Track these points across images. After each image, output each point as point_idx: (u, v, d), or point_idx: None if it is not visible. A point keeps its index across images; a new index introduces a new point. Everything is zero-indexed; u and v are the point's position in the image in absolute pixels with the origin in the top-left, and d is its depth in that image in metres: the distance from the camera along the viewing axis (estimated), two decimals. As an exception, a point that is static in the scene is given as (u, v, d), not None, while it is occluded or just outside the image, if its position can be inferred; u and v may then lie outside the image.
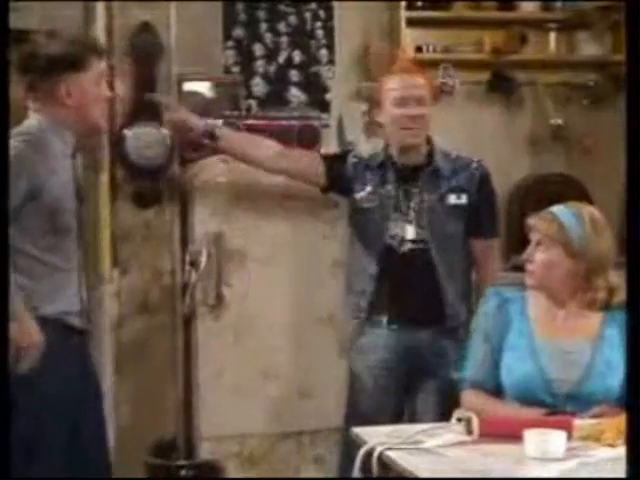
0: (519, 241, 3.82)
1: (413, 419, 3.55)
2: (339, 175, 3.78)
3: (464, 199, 3.64)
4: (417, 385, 3.62)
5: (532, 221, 3.03)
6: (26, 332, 2.96)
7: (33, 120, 3.19)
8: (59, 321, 3.11)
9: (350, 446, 3.54)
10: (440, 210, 3.61)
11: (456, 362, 3.13)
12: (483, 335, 3.03)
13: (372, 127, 4.51)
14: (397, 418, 3.51)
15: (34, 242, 3.07)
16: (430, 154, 3.68)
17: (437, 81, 4.13)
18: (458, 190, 3.64)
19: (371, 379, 3.62)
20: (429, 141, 3.77)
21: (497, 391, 2.97)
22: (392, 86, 3.70)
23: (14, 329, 2.88)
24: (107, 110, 3.34)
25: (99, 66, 3.22)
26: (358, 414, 3.60)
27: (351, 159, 3.80)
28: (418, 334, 3.57)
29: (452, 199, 3.62)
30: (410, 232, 3.59)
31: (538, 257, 2.99)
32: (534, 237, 3.02)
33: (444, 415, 2.86)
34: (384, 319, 3.60)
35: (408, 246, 3.58)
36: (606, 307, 2.99)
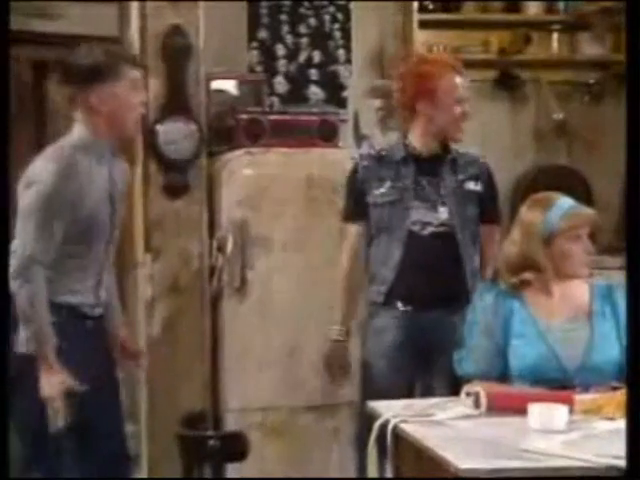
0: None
1: (426, 396, 3.53)
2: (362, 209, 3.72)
3: (479, 186, 3.65)
4: (431, 364, 3.60)
5: (587, 214, 3.02)
6: (55, 383, 2.90)
7: (75, 133, 3.15)
8: (75, 309, 3.09)
9: (366, 420, 3.58)
10: (460, 195, 3.61)
11: (457, 358, 3.08)
12: (483, 328, 2.98)
13: (387, 121, 4.51)
14: (409, 395, 3.50)
15: (64, 243, 3.04)
16: (446, 146, 3.67)
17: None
18: (474, 178, 3.65)
19: (385, 360, 3.60)
20: None
21: (502, 379, 2.94)
22: (454, 84, 3.67)
23: (45, 381, 2.86)
24: (139, 117, 3.27)
25: (133, 75, 3.17)
26: (372, 392, 3.59)
27: (362, 163, 3.72)
28: (435, 313, 3.55)
29: (470, 185, 3.63)
30: (434, 216, 3.58)
31: (591, 247, 3.01)
32: (584, 232, 2.99)
33: (455, 393, 2.86)
34: (400, 302, 3.58)
35: (430, 229, 3.57)
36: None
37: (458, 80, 3.66)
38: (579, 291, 3.02)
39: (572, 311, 2.97)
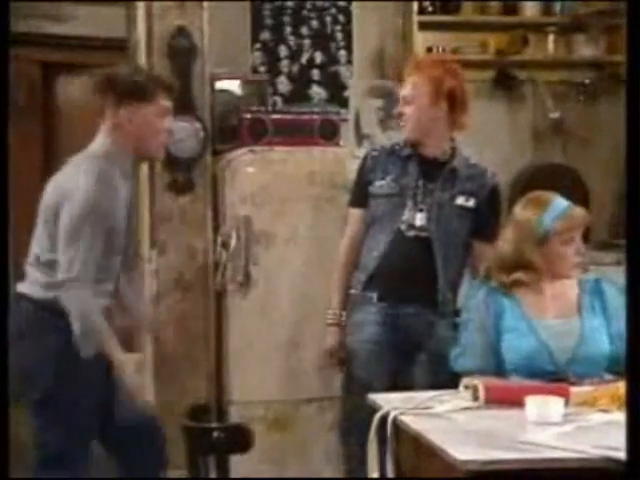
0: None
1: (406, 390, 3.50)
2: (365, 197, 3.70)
3: (472, 203, 3.54)
4: (409, 360, 3.57)
5: (581, 214, 3.00)
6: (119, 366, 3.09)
7: (101, 144, 3.20)
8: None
9: (349, 412, 3.57)
10: (448, 207, 3.53)
11: (453, 355, 3.06)
12: (477, 325, 2.97)
13: (387, 120, 4.49)
14: (390, 389, 3.46)
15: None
16: (452, 155, 3.61)
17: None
18: (468, 193, 3.54)
19: (364, 352, 3.58)
20: (453, 143, 3.66)
21: (497, 374, 2.93)
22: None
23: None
24: (163, 142, 3.32)
25: (165, 103, 3.22)
26: (353, 385, 3.58)
27: (372, 153, 3.73)
28: (407, 312, 3.52)
29: (460, 200, 3.53)
30: (418, 220, 3.54)
31: (581, 249, 2.98)
32: (577, 234, 2.97)
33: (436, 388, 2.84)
34: (375, 295, 3.56)
35: (413, 232, 3.54)
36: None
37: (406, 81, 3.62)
38: (569, 288, 3.01)
39: (563, 308, 2.96)
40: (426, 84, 3.55)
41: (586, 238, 3.01)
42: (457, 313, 3.39)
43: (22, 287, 3.17)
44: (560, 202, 2.99)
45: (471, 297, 3.05)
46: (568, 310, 2.96)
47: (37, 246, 3.18)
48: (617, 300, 2.95)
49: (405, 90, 3.62)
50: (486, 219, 3.56)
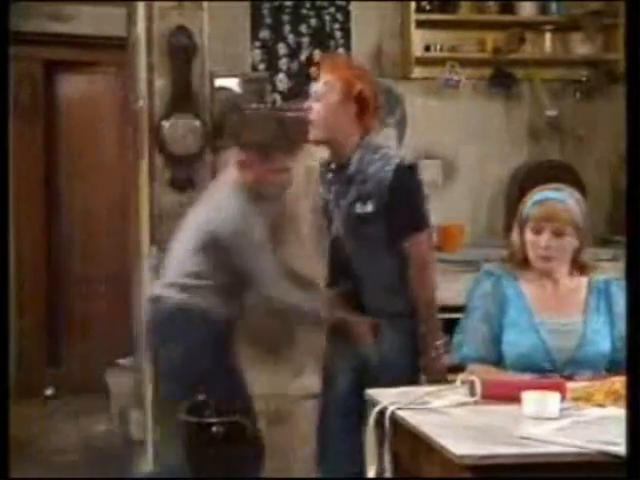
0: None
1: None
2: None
3: (370, 207, 3.26)
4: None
5: (547, 210, 2.88)
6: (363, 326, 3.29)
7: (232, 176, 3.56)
8: None
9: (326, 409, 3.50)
10: (350, 214, 3.31)
11: (456, 342, 3.02)
12: (482, 314, 2.93)
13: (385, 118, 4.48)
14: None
15: None
16: (349, 158, 3.35)
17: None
18: (365, 198, 3.27)
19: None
20: (358, 145, 3.34)
21: (497, 365, 2.91)
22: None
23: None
24: (283, 188, 3.68)
25: (287, 165, 3.58)
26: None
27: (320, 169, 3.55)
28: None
29: (358, 208, 3.28)
30: (332, 230, 3.39)
31: (557, 244, 2.88)
32: (548, 226, 2.87)
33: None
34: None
35: (333, 242, 3.40)
36: (588, 274, 2.96)
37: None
38: (577, 287, 2.95)
39: (568, 307, 2.92)
40: (338, 84, 3.34)
41: (558, 236, 2.90)
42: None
43: (182, 296, 3.49)
44: (548, 192, 2.93)
45: (477, 286, 3.00)
46: (573, 309, 2.91)
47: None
48: (624, 303, 2.90)
49: (316, 87, 3.41)
50: (397, 215, 3.26)
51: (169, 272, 3.63)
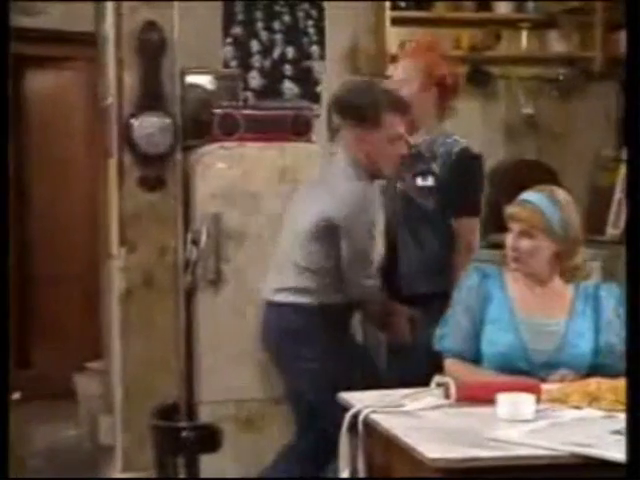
0: (495, 220, 3.77)
1: None
2: None
3: (430, 181, 3.52)
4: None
5: (513, 211, 2.91)
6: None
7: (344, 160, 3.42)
8: None
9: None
10: (410, 186, 3.53)
11: (435, 333, 3.05)
12: (464, 308, 2.95)
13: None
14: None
15: None
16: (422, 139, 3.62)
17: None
18: (428, 172, 3.53)
19: None
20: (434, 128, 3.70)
21: (476, 361, 2.92)
22: None
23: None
24: (397, 162, 3.46)
25: (396, 127, 3.37)
26: None
27: None
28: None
29: (419, 180, 3.52)
30: (389, 203, 3.57)
31: (523, 245, 2.88)
32: (515, 227, 2.90)
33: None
34: None
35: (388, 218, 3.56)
36: (576, 281, 2.95)
37: None
38: (564, 289, 2.96)
39: (552, 308, 2.92)
40: (418, 70, 3.56)
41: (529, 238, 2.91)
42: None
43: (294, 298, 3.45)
44: (528, 194, 2.94)
45: (464, 280, 3.01)
46: (558, 311, 2.91)
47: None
48: (613, 310, 2.90)
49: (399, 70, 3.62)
50: (456, 194, 3.50)
51: (281, 273, 3.53)
